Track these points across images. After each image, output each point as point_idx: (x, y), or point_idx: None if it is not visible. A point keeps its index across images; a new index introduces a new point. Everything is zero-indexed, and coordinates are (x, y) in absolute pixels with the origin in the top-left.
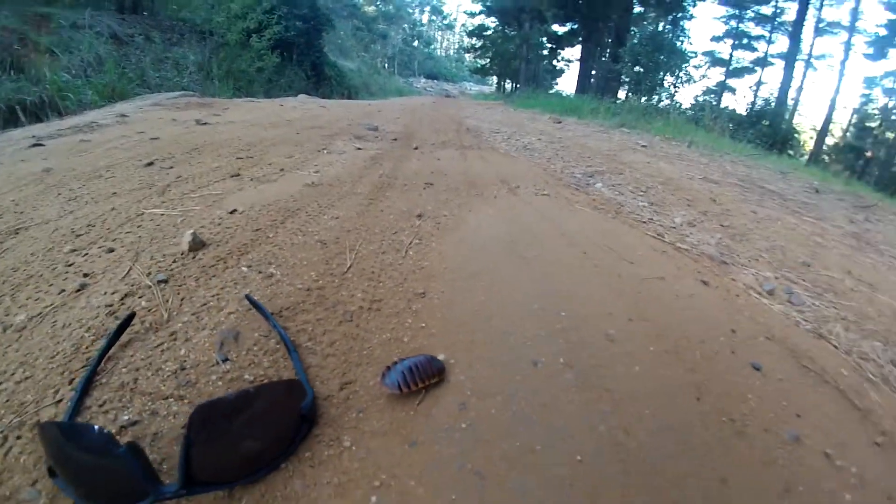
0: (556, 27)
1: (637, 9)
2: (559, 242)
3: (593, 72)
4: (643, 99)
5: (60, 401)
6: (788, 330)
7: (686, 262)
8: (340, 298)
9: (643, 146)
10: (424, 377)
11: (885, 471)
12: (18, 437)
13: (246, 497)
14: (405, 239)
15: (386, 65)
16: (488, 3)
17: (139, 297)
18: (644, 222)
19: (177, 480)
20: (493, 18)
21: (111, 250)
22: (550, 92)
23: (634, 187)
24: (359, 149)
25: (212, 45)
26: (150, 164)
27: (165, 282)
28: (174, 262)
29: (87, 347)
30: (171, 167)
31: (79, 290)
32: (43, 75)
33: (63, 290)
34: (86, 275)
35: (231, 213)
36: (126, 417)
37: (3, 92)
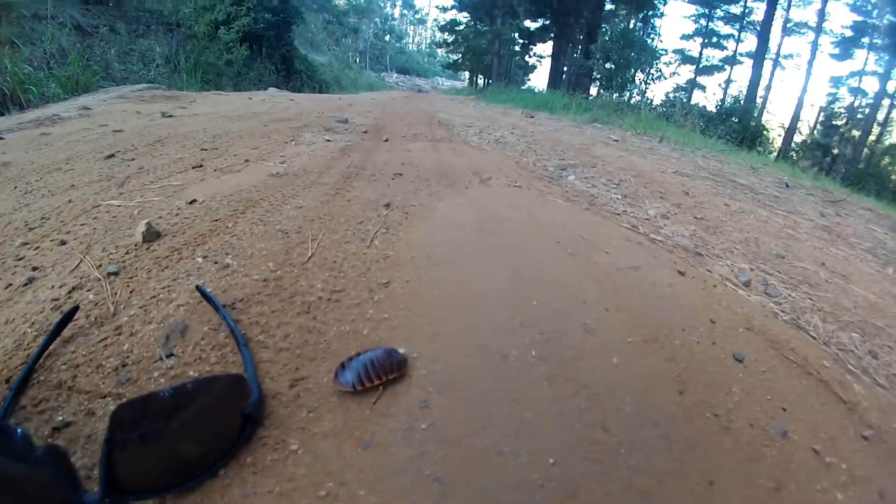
0: (528, 23)
1: (608, 6)
2: (532, 232)
3: (565, 68)
4: (615, 95)
5: None
6: (767, 321)
7: (661, 253)
8: (299, 289)
9: (615, 140)
10: (382, 373)
11: (874, 467)
12: None
13: None
14: (371, 228)
15: (357, 59)
16: None
17: (87, 291)
18: (618, 214)
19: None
20: (465, 13)
21: (63, 243)
22: (523, 88)
23: (607, 180)
24: (328, 141)
25: (179, 38)
26: (111, 156)
27: (116, 274)
28: (127, 253)
29: (28, 343)
30: (133, 159)
31: (26, 285)
32: (3, 67)
33: (10, 285)
34: (35, 268)
35: (190, 203)
36: (60, 418)
37: None
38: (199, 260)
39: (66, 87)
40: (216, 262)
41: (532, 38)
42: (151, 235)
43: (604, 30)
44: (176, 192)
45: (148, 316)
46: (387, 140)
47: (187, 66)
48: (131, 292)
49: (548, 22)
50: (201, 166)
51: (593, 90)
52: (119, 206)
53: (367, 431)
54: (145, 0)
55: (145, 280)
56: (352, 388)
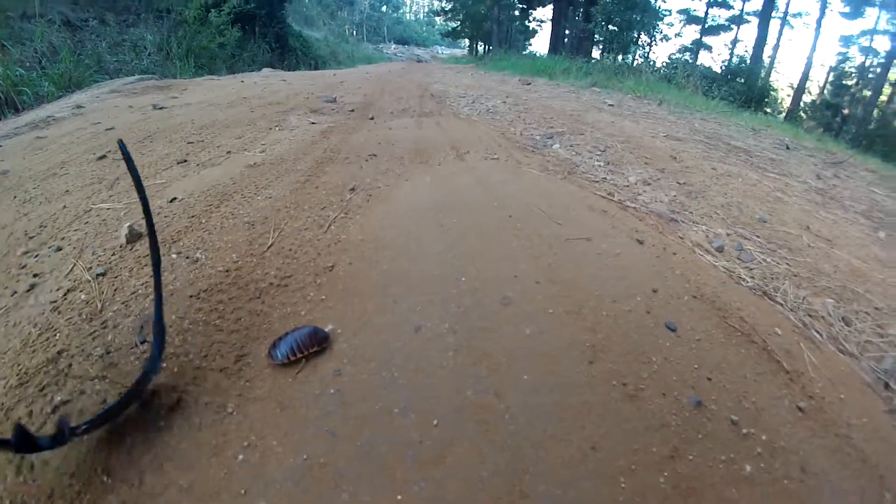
0: None
1: None
2: (487, 207)
3: (566, 31)
4: (618, 58)
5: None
6: (724, 288)
7: (627, 222)
8: (254, 277)
9: (610, 105)
10: (305, 347)
11: (804, 439)
12: None
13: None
14: (331, 214)
15: (354, 32)
16: None
17: (80, 292)
18: (596, 182)
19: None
20: None
21: (59, 249)
22: (524, 53)
23: (593, 147)
24: (312, 123)
25: (170, 24)
26: (103, 157)
27: (104, 275)
28: (113, 255)
29: (33, 342)
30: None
31: (28, 290)
32: None
33: (15, 292)
34: (35, 275)
35: (171, 201)
36: (59, 398)
37: None
38: (174, 256)
39: (59, 85)
40: (188, 258)
41: (532, 2)
42: (134, 237)
43: None
44: (159, 191)
45: (128, 310)
46: (372, 118)
47: (179, 53)
48: (115, 290)
49: None
50: (186, 161)
51: (595, 54)
52: (108, 209)
53: (286, 396)
54: None
55: (127, 279)
56: (280, 362)
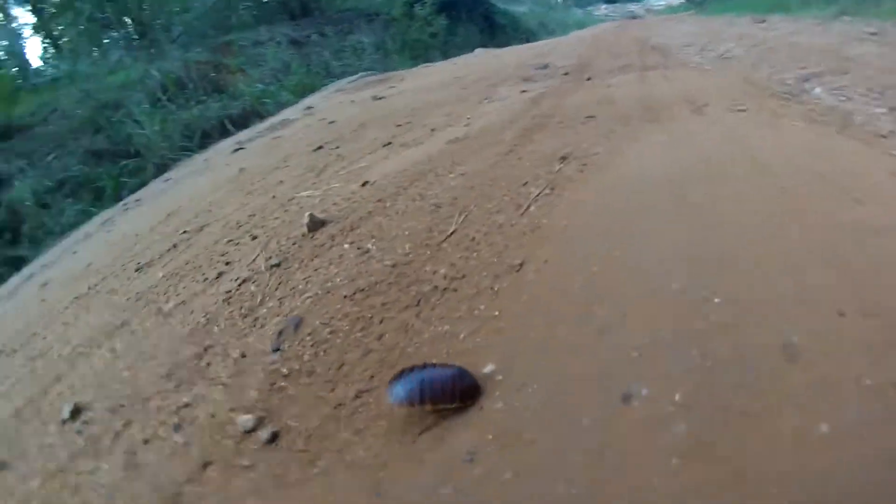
0: None
1: None
2: (747, 174)
3: None
4: None
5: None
6: None
7: None
8: (421, 276)
9: (872, 34)
10: (437, 397)
11: None
12: None
13: None
14: (533, 191)
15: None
16: None
17: (251, 283)
18: (884, 136)
19: None
20: None
21: (255, 237)
22: None
23: (867, 89)
24: (523, 91)
25: (381, 25)
26: (320, 147)
27: (278, 265)
28: (294, 244)
29: (203, 328)
30: (337, 147)
31: (217, 278)
32: (241, 91)
33: (206, 279)
34: (227, 263)
35: (363, 185)
36: (184, 400)
37: (212, 111)
38: (346, 247)
39: (295, 93)
40: (359, 248)
41: None
42: (315, 224)
43: None
44: (358, 175)
45: (281, 308)
46: (589, 79)
47: (395, 48)
48: (279, 284)
49: None
50: (390, 143)
51: None
52: (308, 196)
53: (389, 475)
54: (344, 0)
55: (294, 271)
56: (406, 405)
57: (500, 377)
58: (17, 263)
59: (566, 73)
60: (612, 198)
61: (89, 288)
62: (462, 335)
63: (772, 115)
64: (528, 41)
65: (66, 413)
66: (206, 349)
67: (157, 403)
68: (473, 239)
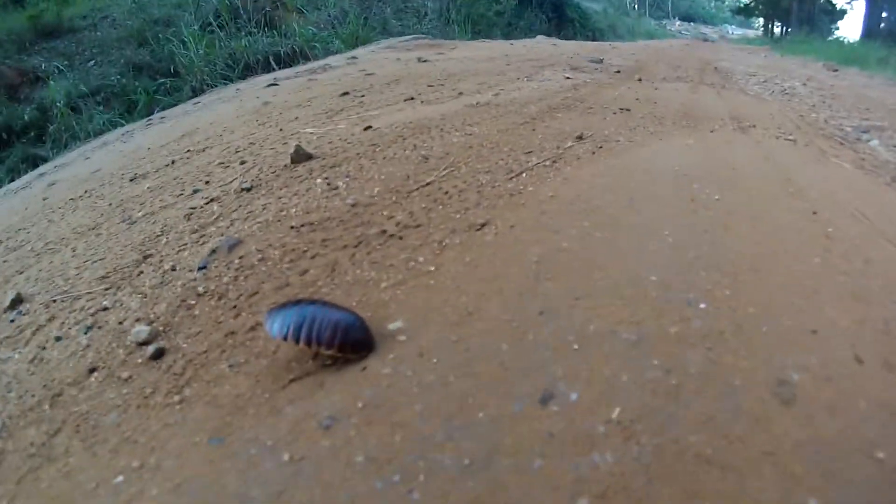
0: None
1: None
2: (775, 191)
3: (884, 14)
4: None
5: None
6: None
7: None
8: (375, 219)
9: None
10: (313, 340)
11: None
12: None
13: None
14: (532, 160)
15: (636, 6)
16: None
17: (217, 203)
18: None
19: None
20: None
21: (244, 162)
22: (829, 39)
23: None
24: (567, 77)
25: None
26: (346, 93)
27: (249, 190)
28: (273, 172)
29: (154, 238)
30: (363, 96)
31: (192, 195)
32: (293, 30)
33: (182, 194)
34: (207, 182)
35: (365, 129)
36: (105, 303)
37: (259, 45)
38: (318, 181)
39: (348, 44)
40: (329, 184)
41: None
42: (300, 157)
43: None
44: (365, 121)
45: (232, 228)
46: (639, 80)
47: (458, 19)
48: (239, 206)
49: None
50: (413, 99)
51: None
52: (310, 132)
53: (239, 421)
54: None
55: (260, 197)
56: (279, 339)
57: (402, 338)
58: (38, 162)
59: (618, 71)
60: (613, 181)
61: (85, 192)
62: (384, 284)
63: (819, 152)
64: (594, 40)
65: (6, 302)
66: (145, 257)
67: (83, 304)
68: (447, 193)
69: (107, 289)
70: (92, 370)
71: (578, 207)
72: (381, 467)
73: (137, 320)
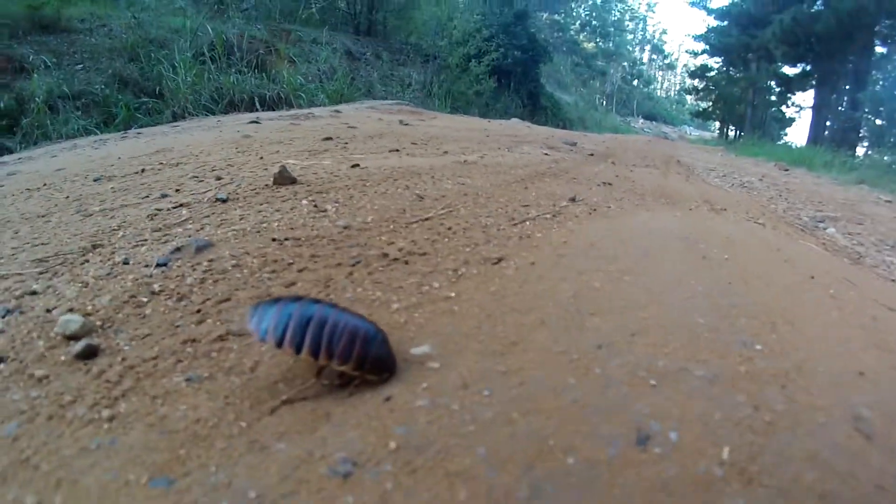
0: (786, 69)
1: (879, 48)
2: (771, 258)
3: (827, 122)
4: (885, 157)
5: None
6: None
7: None
8: (372, 242)
9: (888, 202)
10: (325, 350)
11: None
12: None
13: None
14: (533, 212)
15: (604, 102)
16: (712, 42)
17: (186, 208)
18: (894, 281)
19: None
20: (716, 58)
21: (219, 178)
22: (778, 143)
23: (878, 240)
24: (545, 154)
25: (434, 68)
26: (328, 139)
27: (224, 201)
28: (252, 190)
29: (109, 232)
30: (346, 143)
31: (159, 199)
32: (282, 77)
33: (147, 196)
34: (177, 191)
35: (352, 167)
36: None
37: (247, 84)
38: (303, 202)
39: (332, 99)
40: (316, 206)
41: (790, 85)
42: (284, 179)
43: (875, 77)
44: (351, 161)
45: (198, 233)
46: (613, 162)
47: (440, 93)
48: (212, 214)
49: (808, 67)
50: (397, 150)
51: (860, 150)
52: (294, 163)
53: (198, 461)
54: (409, 34)
55: (237, 208)
56: (272, 343)
57: (434, 364)
58: (2, 152)
59: (591, 154)
60: (621, 236)
61: (44, 184)
62: (396, 305)
63: (787, 235)
64: (564, 128)
65: None
66: (95, 247)
67: (8, 285)
68: (450, 228)
69: (41, 272)
70: None
71: (596, 254)
72: None
73: (70, 310)
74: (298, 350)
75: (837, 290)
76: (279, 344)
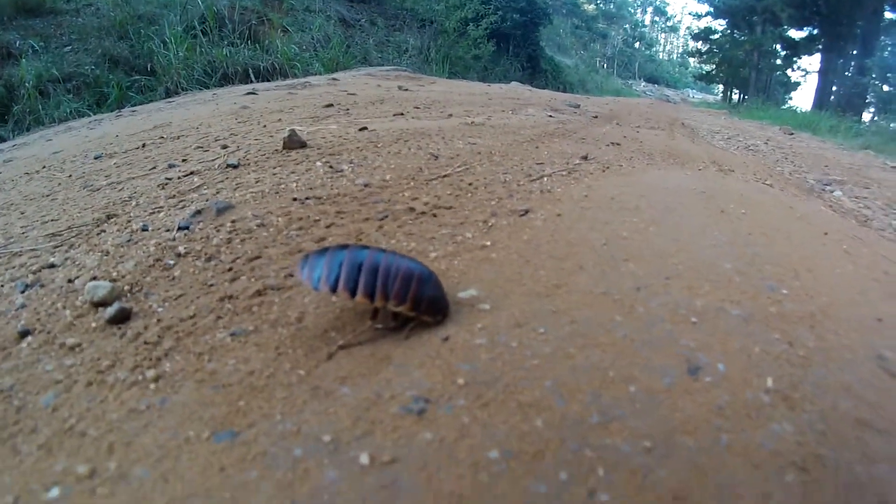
0: (792, 32)
1: (889, 14)
2: (785, 214)
3: (833, 87)
4: (892, 125)
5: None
6: None
7: None
8: (396, 199)
9: (894, 167)
10: (382, 293)
11: None
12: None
13: None
14: (548, 169)
15: (605, 65)
16: (716, 4)
17: (197, 175)
18: None
19: None
20: (720, 21)
21: (225, 146)
22: (782, 107)
23: (885, 204)
24: (549, 116)
25: (431, 32)
26: (329, 105)
27: (235, 166)
28: (262, 155)
29: (121, 202)
30: (348, 109)
31: (166, 169)
32: (276, 47)
33: (154, 168)
34: (184, 160)
35: (360, 130)
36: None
37: (240, 57)
38: (318, 164)
39: (327, 68)
40: (331, 167)
41: (796, 49)
42: (294, 143)
43: (883, 43)
44: (358, 124)
45: (216, 196)
46: (617, 124)
47: (437, 58)
48: (225, 179)
49: (815, 31)
50: (402, 114)
51: (866, 116)
52: (301, 129)
53: (257, 413)
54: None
55: (250, 172)
56: (327, 290)
57: (484, 306)
58: None
59: (595, 116)
60: (640, 190)
61: (43, 167)
62: (434, 254)
63: (794, 196)
64: (565, 92)
65: None
66: (109, 217)
67: (23, 261)
68: (470, 184)
69: (56, 246)
70: (23, 334)
71: (618, 207)
72: (532, 464)
73: (94, 278)
74: (353, 293)
75: (850, 246)
76: (333, 289)
